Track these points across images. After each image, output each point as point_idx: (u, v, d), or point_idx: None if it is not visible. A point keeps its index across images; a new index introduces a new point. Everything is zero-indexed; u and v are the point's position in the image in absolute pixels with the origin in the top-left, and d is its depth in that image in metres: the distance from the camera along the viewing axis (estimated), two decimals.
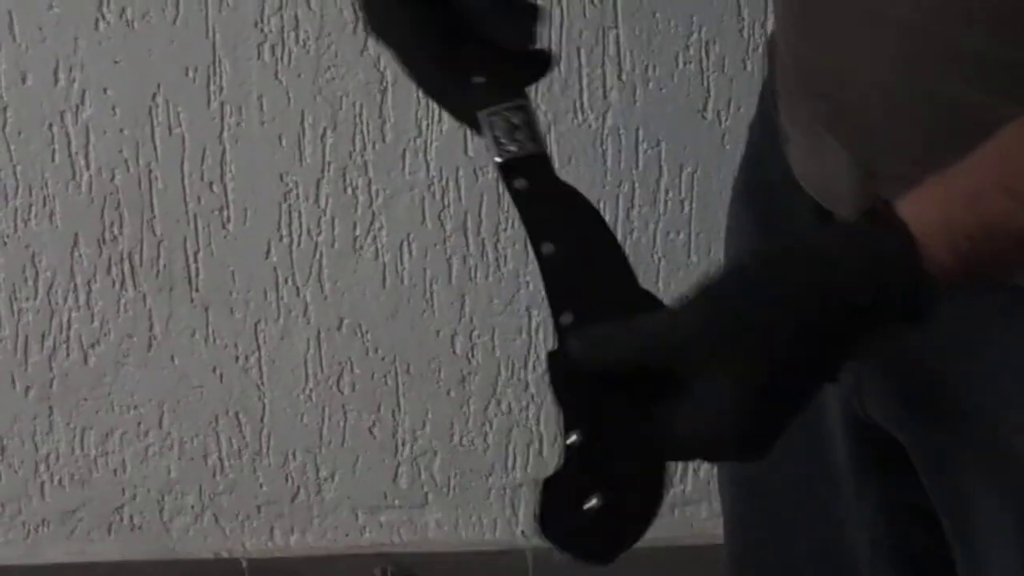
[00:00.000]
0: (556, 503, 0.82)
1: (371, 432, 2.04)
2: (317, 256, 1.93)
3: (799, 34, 0.98)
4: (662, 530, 2.12)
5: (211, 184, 1.88)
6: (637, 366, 0.81)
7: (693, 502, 2.11)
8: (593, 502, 0.82)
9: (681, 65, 1.86)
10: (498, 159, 0.89)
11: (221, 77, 1.82)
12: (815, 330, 0.80)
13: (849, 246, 0.80)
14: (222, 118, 1.85)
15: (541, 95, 1.84)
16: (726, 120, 1.89)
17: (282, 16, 1.80)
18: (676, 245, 1.94)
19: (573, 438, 0.81)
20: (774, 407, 0.82)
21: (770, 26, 1.81)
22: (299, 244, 1.92)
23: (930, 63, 0.88)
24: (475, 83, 0.91)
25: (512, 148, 0.89)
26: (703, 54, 1.86)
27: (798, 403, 0.83)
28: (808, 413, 1.13)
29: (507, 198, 1.76)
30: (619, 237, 1.89)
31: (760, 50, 1.85)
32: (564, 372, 0.82)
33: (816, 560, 1.20)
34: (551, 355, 0.83)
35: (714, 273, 0.83)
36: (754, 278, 0.82)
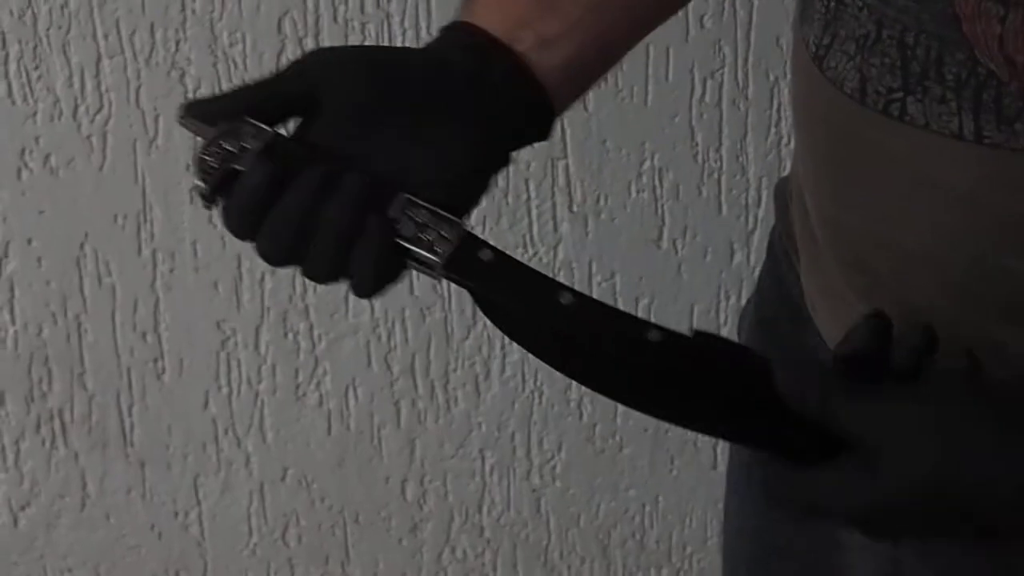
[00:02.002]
0: None
1: None
2: (258, 405, 1.85)
3: (836, 202, 0.91)
4: None
5: (144, 335, 1.80)
6: None
7: None
8: None
9: (634, 194, 1.80)
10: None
11: (152, 224, 1.75)
12: None
13: None
14: (154, 266, 1.77)
15: (490, 229, 1.77)
16: (682, 249, 1.83)
17: None
18: None
19: None
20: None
21: (726, 150, 1.76)
22: (239, 394, 1.84)
23: (984, 234, 0.81)
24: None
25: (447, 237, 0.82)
26: (656, 182, 1.79)
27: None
28: None
29: (458, 337, 1.70)
30: None
31: (715, 175, 1.79)
32: None
33: None
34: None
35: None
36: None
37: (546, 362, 0.84)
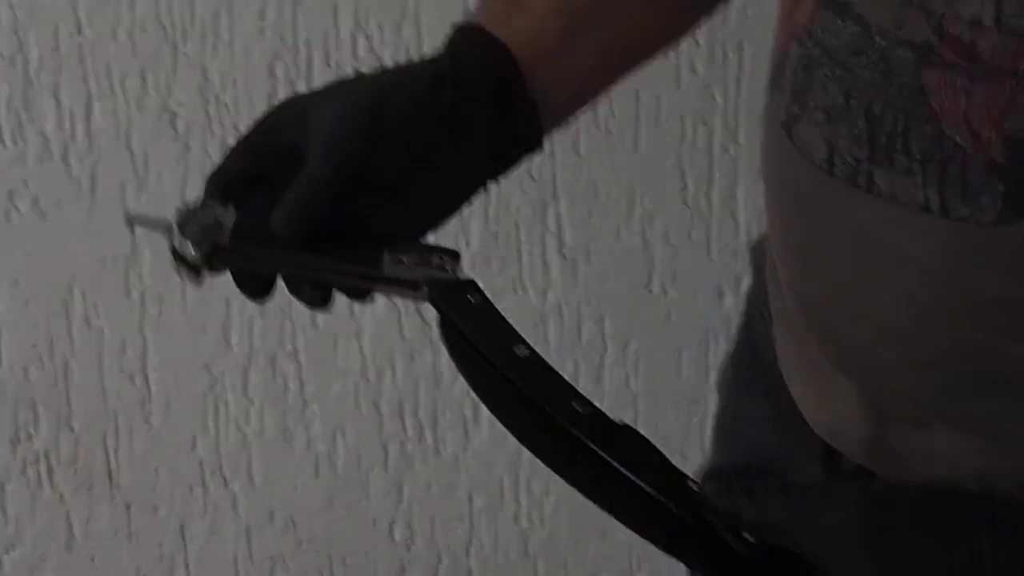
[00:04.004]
0: None
1: None
2: (246, 448, 1.84)
3: (800, 267, 0.90)
4: None
5: (132, 377, 1.79)
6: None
7: None
8: None
9: (624, 238, 1.80)
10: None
11: (141, 266, 1.74)
12: None
13: None
14: (143, 308, 1.76)
15: (480, 273, 1.75)
16: (671, 293, 1.83)
17: None
18: None
19: None
20: None
21: (716, 195, 1.77)
22: (226, 436, 1.83)
23: (955, 309, 0.80)
24: None
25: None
26: (645, 226, 1.79)
27: None
28: None
29: (447, 380, 1.70)
30: None
31: (704, 220, 1.79)
32: None
33: None
34: None
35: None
36: None
37: (485, 405, 0.88)
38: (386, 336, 1.80)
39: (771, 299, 1.00)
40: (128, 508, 1.85)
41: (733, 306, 1.82)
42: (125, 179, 1.71)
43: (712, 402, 1.86)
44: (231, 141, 0.93)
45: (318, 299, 0.93)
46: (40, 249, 1.73)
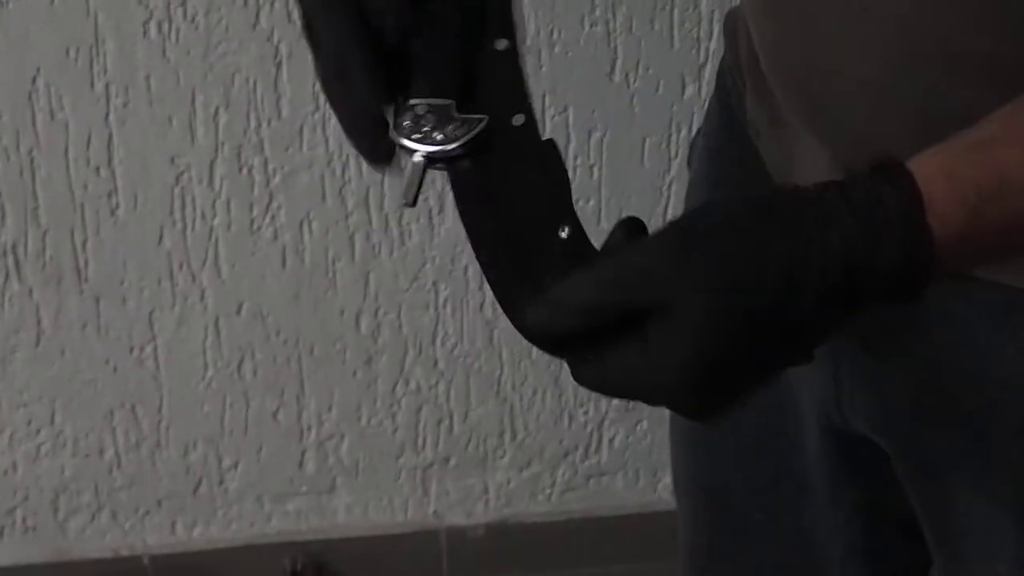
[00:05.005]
0: None
1: (275, 418, 1.96)
2: (213, 240, 1.84)
3: (773, 25, 0.91)
4: (576, 502, 2.07)
5: (98, 169, 1.78)
6: (604, 312, 0.71)
7: (608, 472, 2.06)
8: None
9: (587, 27, 1.79)
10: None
11: (105, 57, 1.72)
12: (807, 287, 0.69)
13: (848, 197, 0.70)
14: (107, 100, 1.74)
15: None
16: (635, 82, 1.83)
17: None
18: (586, 212, 1.87)
19: None
20: (739, 365, 0.71)
21: None
22: (193, 228, 1.83)
23: (928, 61, 0.81)
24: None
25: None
26: (609, 15, 1.79)
27: (767, 369, 0.73)
28: (777, 418, 1.08)
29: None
30: None
31: (667, 8, 1.79)
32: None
33: (783, 568, 1.16)
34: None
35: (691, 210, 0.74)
36: (742, 219, 0.71)
37: None
38: None
39: (744, 66, 1.02)
40: (97, 300, 1.85)
41: (695, 94, 1.83)
42: None
43: (676, 189, 1.88)
44: None
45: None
46: (3, 40, 1.70)
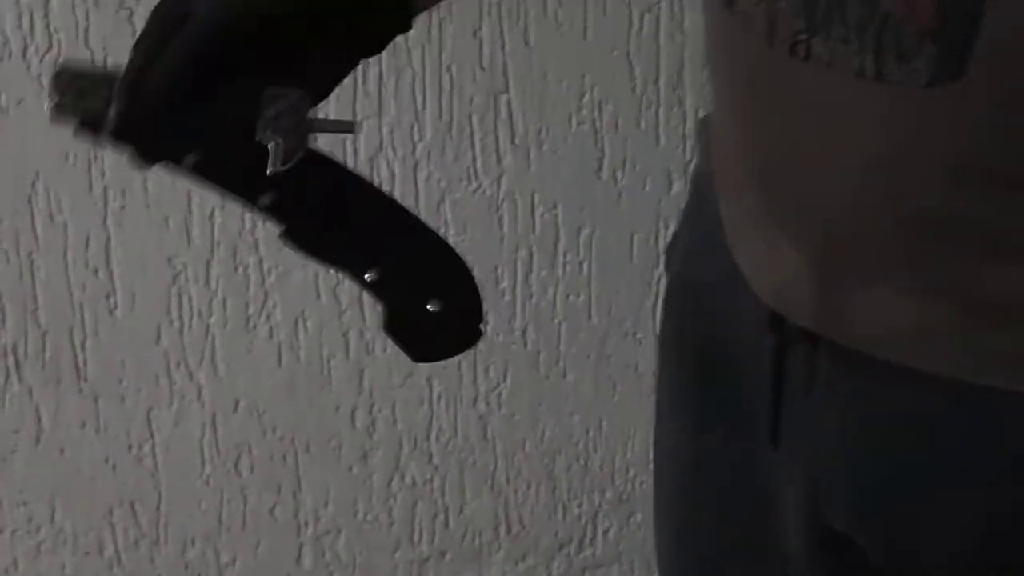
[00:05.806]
0: None
1: (272, 514, 1.98)
2: (209, 338, 1.87)
3: (751, 136, 0.94)
4: None
5: (96, 271, 1.81)
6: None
7: (604, 564, 2.07)
8: None
9: (574, 126, 1.83)
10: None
11: (102, 161, 1.76)
12: None
13: None
14: (105, 203, 1.78)
15: (434, 163, 1.80)
16: (622, 179, 1.86)
17: None
18: (576, 307, 1.90)
19: None
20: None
21: (663, 83, 1.80)
22: (190, 327, 1.86)
23: (898, 169, 0.84)
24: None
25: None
26: (596, 114, 1.83)
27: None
28: (762, 514, 1.09)
29: None
30: (518, 302, 1.86)
31: (652, 107, 1.83)
32: None
33: None
34: None
35: None
36: None
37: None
38: None
39: (718, 169, 1.04)
40: (96, 400, 1.88)
41: (682, 190, 1.86)
42: None
43: (664, 284, 1.91)
44: None
45: None
46: (3, 146, 1.74)
